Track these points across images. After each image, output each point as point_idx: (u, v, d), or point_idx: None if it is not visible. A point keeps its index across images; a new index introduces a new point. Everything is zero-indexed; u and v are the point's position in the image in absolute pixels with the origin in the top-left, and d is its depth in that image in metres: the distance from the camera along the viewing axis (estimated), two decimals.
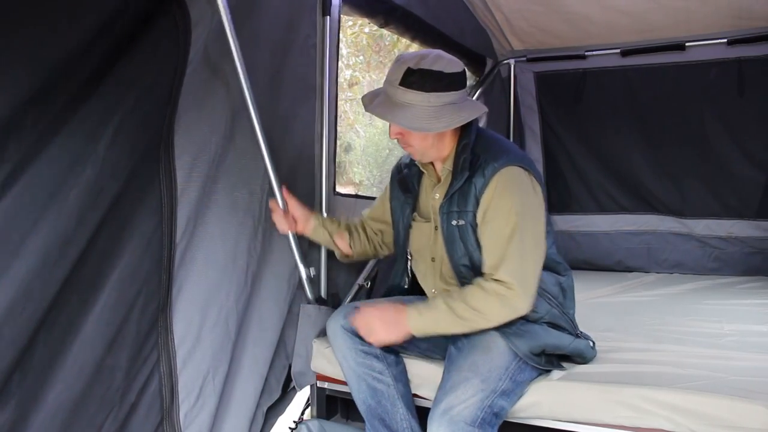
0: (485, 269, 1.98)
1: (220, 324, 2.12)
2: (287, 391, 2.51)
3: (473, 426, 1.87)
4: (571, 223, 4.61)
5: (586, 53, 4.24)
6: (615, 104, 4.37)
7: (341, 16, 2.70)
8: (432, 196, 2.17)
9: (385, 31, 3.28)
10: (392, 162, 4.45)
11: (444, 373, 2.05)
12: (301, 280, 2.42)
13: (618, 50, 4.14)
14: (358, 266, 2.82)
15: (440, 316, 1.97)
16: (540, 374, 2.07)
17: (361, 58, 9.65)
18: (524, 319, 2.03)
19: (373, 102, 2.03)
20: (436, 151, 2.09)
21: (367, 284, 2.82)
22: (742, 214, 4.10)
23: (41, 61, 1.45)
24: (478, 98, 4.03)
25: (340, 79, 5.26)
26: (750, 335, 2.58)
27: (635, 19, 3.80)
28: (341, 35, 2.71)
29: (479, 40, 4.06)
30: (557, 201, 4.62)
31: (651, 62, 4.17)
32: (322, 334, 2.44)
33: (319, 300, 2.52)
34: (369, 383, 2.14)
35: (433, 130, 1.99)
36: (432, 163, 2.18)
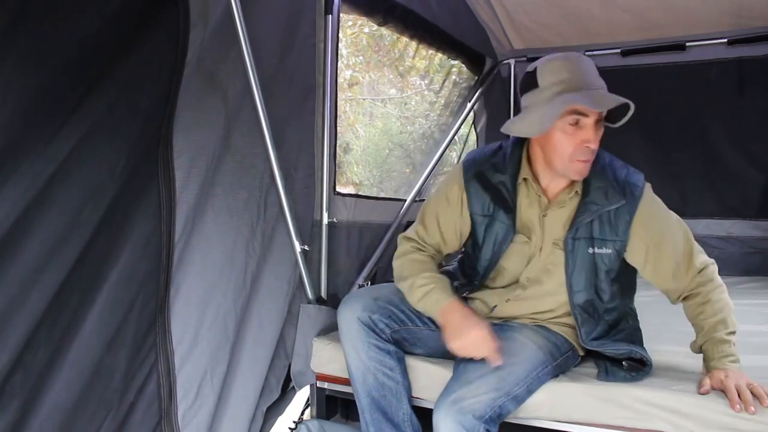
0: (683, 285, 2.05)
1: (218, 324, 2.12)
2: (287, 390, 2.51)
3: (480, 421, 1.81)
4: None
5: (586, 53, 4.22)
6: None
7: (341, 15, 2.70)
8: (540, 215, 2.06)
9: (384, 31, 3.27)
10: (392, 162, 4.41)
11: (460, 365, 1.98)
12: (301, 279, 2.42)
13: (618, 50, 4.14)
14: (357, 266, 2.82)
15: None
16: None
17: (361, 58, 9.63)
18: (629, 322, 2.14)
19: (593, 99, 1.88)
20: None
21: (367, 284, 2.82)
22: (742, 214, 4.10)
23: (42, 62, 1.45)
24: (477, 98, 4.02)
25: (340, 80, 5.25)
26: (750, 335, 2.57)
27: (636, 16, 3.80)
28: (341, 35, 2.71)
29: (479, 38, 4.06)
30: None
31: (651, 62, 4.17)
32: (322, 333, 2.43)
33: (319, 300, 2.52)
34: (378, 378, 2.08)
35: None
36: (536, 178, 2.07)
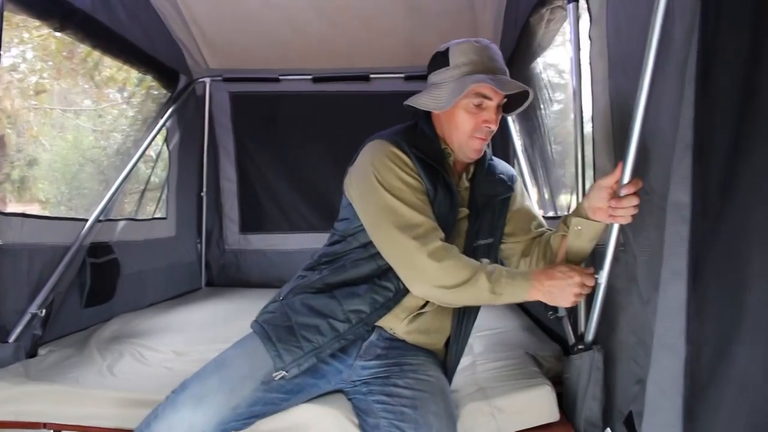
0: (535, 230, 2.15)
1: None
2: None
3: None
4: (264, 241, 4.71)
5: (280, 77, 4.37)
6: (307, 127, 4.58)
7: (11, 14, 2.46)
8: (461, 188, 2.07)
9: None
10: (84, 178, 4.09)
11: (405, 410, 1.83)
12: None
13: (310, 77, 4.36)
14: (30, 292, 2.57)
15: None
16: None
17: (50, 63, 8.88)
18: None
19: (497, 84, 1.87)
20: None
21: (42, 312, 2.57)
22: None
23: None
24: (171, 115, 3.93)
25: (23, 85, 4.78)
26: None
27: (325, 45, 4.04)
28: (25, 35, 2.46)
29: (172, 54, 3.97)
30: (251, 220, 4.72)
31: (340, 90, 4.46)
32: None
33: None
34: None
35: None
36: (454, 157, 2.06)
